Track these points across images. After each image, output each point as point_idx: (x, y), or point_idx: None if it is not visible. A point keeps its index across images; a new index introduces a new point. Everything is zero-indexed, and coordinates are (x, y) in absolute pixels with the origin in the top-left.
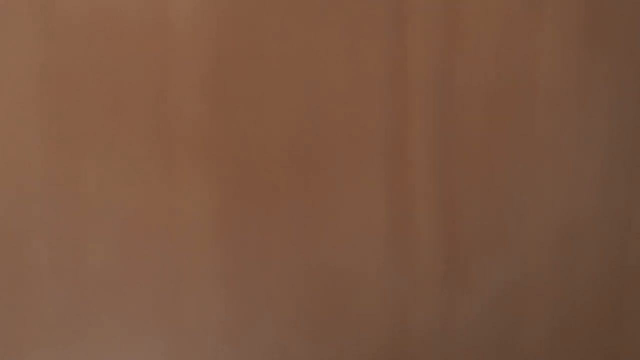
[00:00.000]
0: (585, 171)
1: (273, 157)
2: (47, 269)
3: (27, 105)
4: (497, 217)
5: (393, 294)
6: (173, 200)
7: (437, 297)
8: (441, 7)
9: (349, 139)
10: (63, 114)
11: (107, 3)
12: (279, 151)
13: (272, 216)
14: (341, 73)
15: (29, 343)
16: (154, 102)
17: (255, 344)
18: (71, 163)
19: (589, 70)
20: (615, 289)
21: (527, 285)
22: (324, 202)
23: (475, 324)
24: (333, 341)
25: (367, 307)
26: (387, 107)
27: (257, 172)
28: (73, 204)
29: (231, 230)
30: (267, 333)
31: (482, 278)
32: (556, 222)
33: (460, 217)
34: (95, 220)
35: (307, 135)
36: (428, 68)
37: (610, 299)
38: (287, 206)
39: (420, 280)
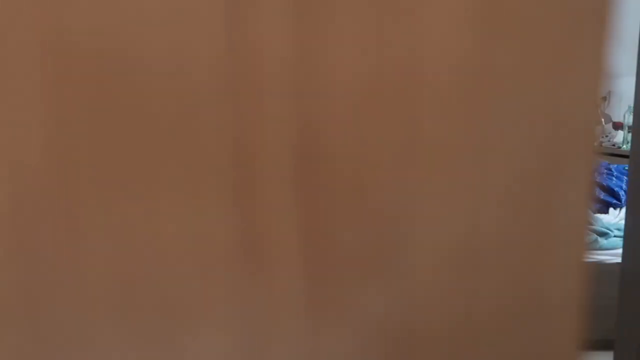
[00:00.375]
0: (486, 183)
1: (81, 167)
2: None
3: None
4: (374, 239)
5: (243, 332)
6: None
7: (299, 333)
8: None
9: (185, 148)
10: None
11: None
12: (92, 160)
13: (86, 235)
14: (169, 67)
15: None
16: None
17: None
18: None
19: (489, 62)
20: (526, 321)
21: (415, 319)
22: (154, 220)
23: None
24: None
25: (210, 344)
26: (232, 115)
27: (66, 186)
28: None
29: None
30: None
31: (355, 310)
32: (452, 245)
33: (326, 240)
34: None
35: (131, 142)
36: (280, 65)
37: (520, 334)
38: (105, 220)
39: (277, 313)
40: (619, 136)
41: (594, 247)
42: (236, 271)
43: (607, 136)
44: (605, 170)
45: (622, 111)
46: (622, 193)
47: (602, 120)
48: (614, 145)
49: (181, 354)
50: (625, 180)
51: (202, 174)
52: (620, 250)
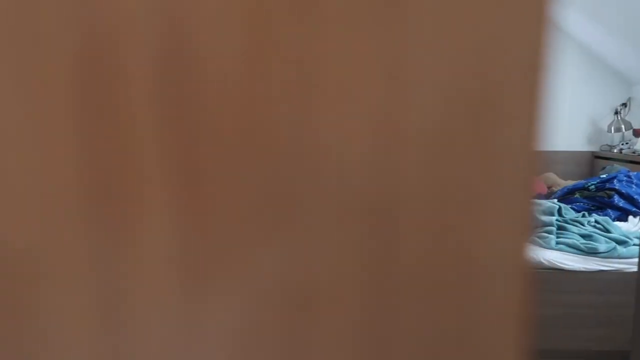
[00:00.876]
0: (401, 121)
1: None
2: None
3: None
4: (266, 179)
5: (102, 302)
6: None
7: (174, 303)
8: None
9: (17, 53)
10: None
11: None
12: None
13: None
14: None
15: None
16: None
17: None
18: None
19: None
20: (457, 287)
21: (319, 282)
22: None
23: (237, 339)
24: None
25: (60, 320)
26: (72, 11)
27: None
28: None
29: None
30: None
31: (243, 273)
32: (363, 194)
33: (202, 181)
34: None
35: None
36: None
37: (449, 306)
38: None
39: (145, 278)
40: (639, 143)
41: (613, 255)
42: (89, 224)
43: (627, 143)
44: (625, 178)
45: None
46: None
47: (623, 127)
48: (634, 152)
49: (20, 332)
50: None
51: (38, 89)
52: None
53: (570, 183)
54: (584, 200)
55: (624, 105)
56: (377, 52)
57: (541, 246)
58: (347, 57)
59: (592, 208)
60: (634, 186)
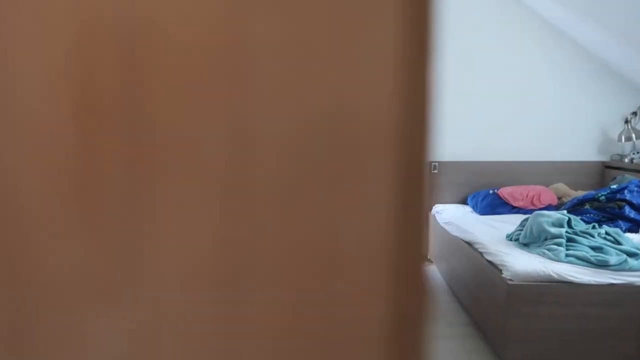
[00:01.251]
0: (250, 184)
1: None
2: None
3: None
4: (99, 257)
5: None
6: None
7: None
8: None
9: None
10: None
11: None
12: None
13: None
14: None
15: None
16: None
17: None
18: None
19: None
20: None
21: (164, 333)
22: None
23: None
24: None
25: None
26: None
27: None
28: None
29: None
30: None
31: (79, 332)
32: (204, 258)
33: (32, 261)
34: None
35: None
36: None
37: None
38: None
39: None
40: None
41: (624, 268)
42: None
43: (638, 152)
44: (636, 188)
45: None
46: None
47: (633, 136)
48: None
49: None
50: None
51: None
52: None
53: (580, 194)
54: (594, 212)
55: (634, 114)
56: (222, 107)
57: (550, 259)
58: (188, 116)
59: (603, 219)
60: None
